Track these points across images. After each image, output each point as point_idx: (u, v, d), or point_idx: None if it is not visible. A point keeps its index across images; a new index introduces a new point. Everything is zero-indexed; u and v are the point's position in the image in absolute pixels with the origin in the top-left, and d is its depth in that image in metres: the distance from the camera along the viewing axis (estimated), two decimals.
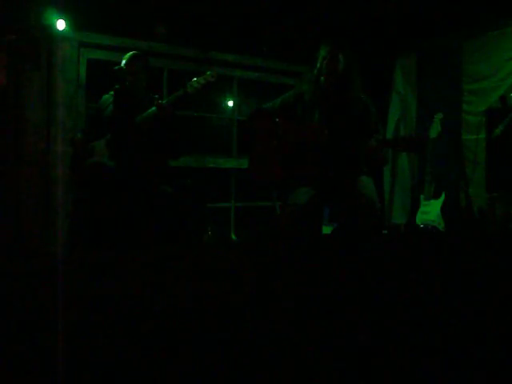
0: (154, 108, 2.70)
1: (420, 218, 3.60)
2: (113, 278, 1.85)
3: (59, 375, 0.88)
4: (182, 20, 3.77)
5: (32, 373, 0.91)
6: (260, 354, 1.02)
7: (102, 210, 2.66)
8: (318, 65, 2.46)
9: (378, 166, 2.55)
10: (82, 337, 1.12)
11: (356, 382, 0.90)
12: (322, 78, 2.44)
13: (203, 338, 1.12)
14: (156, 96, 2.98)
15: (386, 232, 4.31)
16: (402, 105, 4.48)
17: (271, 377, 0.91)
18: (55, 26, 3.26)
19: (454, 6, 3.67)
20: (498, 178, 3.47)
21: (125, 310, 1.37)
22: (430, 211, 3.55)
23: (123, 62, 2.84)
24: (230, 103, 4.35)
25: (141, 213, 2.77)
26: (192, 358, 1.00)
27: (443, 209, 3.51)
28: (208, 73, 2.74)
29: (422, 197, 3.66)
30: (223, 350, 1.04)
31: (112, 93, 2.92)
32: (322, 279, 1.86)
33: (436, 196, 3.59)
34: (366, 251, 2.26)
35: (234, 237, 4.24)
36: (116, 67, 2.87)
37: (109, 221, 2.68)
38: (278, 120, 2.55)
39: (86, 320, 1.25)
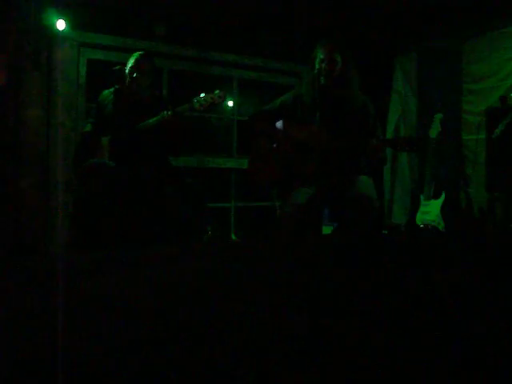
0: (156, 118, 2.69)
1: (420, 218, 3.60)
2: (113, 278, 1.85)
3: (58, 376, 0.88)
4: (182, 20, 3.77)
5: (31, 373, 0.91)
6: (261, 352, 1.02)
7: (102, 210, 2.66)
8: (317, 66, 2.46)
9: (378, 165, 2.56)
10: (82, 337, 1.12)
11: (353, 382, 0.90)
12: (321, 78, 2.44)
13: (203, 337, 1.12)
14: (157, 92, 2.98)
15: (386, 232, 4.31)
16: (402, 105, 4.48)
17: (268, 373, 0.91)
18: (55, 26, 3.26)
19: (454, 6, 3.67)
20: (497, 177, 3.47)
21: (125, 310, 1.38)
22: (430, 211, 3.55)
23: (132, 61, 2.80)
24: (230, 103, 4.35)
25: (141, 213, 2.78)
26: (192, 358, 1.00)
27: (443, 209, 3.51)
28: (216, 92, 2.68)
29: (422, 197, 3.66)
30: (223, 350, 1.05)
31: (113, 90, 2.90)
32: (321, 279, 1.86)
33: (436, 196, 3.59)
34: (365, 251, 2.26)
35: (234, 237, 4.24)
36: (117, 67, 2.87)
37: (109, 221, 2.69)
38: (277, 121, 2.56)
39: (86, 320, 1.26)
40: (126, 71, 2.80)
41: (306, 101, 2.54)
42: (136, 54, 2.85)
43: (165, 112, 2.67)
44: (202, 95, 2.66)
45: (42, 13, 3.23)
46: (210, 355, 1.01)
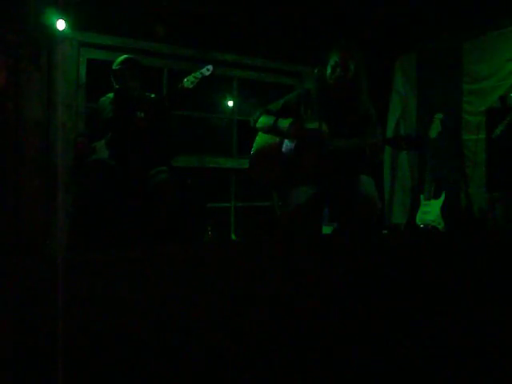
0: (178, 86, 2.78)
1: (420, 218, 3.60)
2: (113, 278, 1.85)
3: (58, 377, 0.88)
4: (182, 20, 3.77)
5: (31, 374, 0.91)
6: (261, 352, 1.02)
7: (102, 209, 2.67)
8: (329, 69, 2.46)
9: (376, 164, 2.56)
10: (82, 338, 1.12)
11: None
12: (332, 81, 2.45)
13: (203, 337, 1.12)
14: (152, 95, 3.00)
15: (386, 232, 4.31)
16: (402, 105, 4.48)
17: (267, 370, 0.91)
18: (55, 25, 3.26)
19: (454, 6, 3.67)
20: (497, 177, 3.47)
21: (125, 310, 1.37)
22: (430, 211, 3.55)
23: (114, 65, 2.88)
24: (230, 103, 4.35)
25: (141, 212, 2.78)
26: (192, 359, 1.00)
27: (443, 209, 3.52)
28: (205, 67, 2.80)
29: (422, 197, 3.66)
30: (223, 351, 1.05)
31: (109, 95, 2.96)
32: (321, 279, 1.86)
33: (436, 196, 3.59)
34: (365, 251, 2.26)
35: (233, 237, 4.24)
36: (116, 67, 2.89)
37: (109, 220, 2.69)
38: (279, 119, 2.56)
39: (86, 321, 1.26)
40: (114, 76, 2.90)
41: (312, 98, 2.54)
42: (118, 59, 2.89)
43: (152, 96, 2.80)
44: (192, 74, 2.76)
45: (42, 13, 3.23)
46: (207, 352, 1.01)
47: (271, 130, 2.58)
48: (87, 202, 2.70)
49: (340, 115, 2.48)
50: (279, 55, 4.25)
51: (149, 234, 2.77)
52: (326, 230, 3.59)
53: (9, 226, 3.17)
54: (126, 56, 2.93)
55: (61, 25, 3.27)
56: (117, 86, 2.90)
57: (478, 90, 3.84)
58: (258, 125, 2.65)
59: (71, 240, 3.20)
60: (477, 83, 3.85)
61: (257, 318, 1.29)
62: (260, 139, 2.68)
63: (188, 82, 2.74)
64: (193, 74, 2.76)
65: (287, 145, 2.50)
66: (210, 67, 2.80)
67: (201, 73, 2.77)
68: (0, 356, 0.99)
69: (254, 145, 2.68)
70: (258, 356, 1.01)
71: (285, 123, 2.52)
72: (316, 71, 2.48)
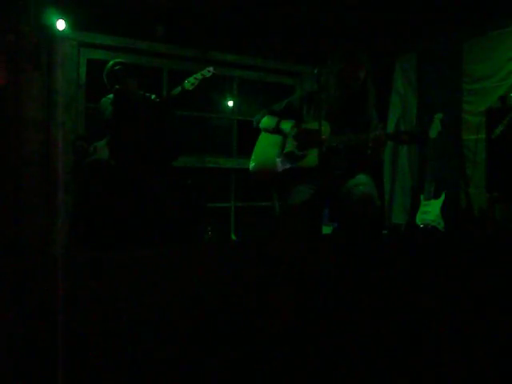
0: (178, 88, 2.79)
1: (420, 218, 3.60)
2: (113, 278, 1.85)
3: (58, 375, 0.88)
4: (182, 20, 3.77)
5: (31, 372, 0.91)
6: (260, 351, 1.02)
7: (102, 209, 2.67)
8: (339, 78, 2.45)
9: (376, 163, 2.55)
10: (81, 337, 1.12)
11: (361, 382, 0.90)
12: (341, 90, 2.45)
13: (202, 336, 1.12)
14: (153, 96, 3.01)
15: (386, 232, 4.31)
16: (402, 105, 4.47)
17: (268, 368, 0.91)
18: (55, 26, 3.26)
19: (454, 6, 3.67)
20: (497, 177, 3.46)
21: (124, 310, 1.37)
22: (430, 211, 3.55)
23: (109, 68, 2.90)
24: (230, 103, 4.35)
25: (141, 212, 2.78)
26: (191, 357, 1.00)
27: (443, 209, 3.51)
28: (205, 69, 2.82)
29: (422, 197, 3.66)
30: (223, 349, 1.05)
31: (110, 96, 2.97)
32: (321, 279, 1.86)
33: (436, 196, 3.59)
34: (365, 251, 2.26)
35: (233, 237, 4.24)
36: (116, 67, 2.90)
37: (109, 220, 2.69)
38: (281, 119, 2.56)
39: (86, 320, 1.25)
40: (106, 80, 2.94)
41: (314, 99, 2.54)
42: (112, 62, 2.92)
43: (153, 96, 2.81)
44: (193, 75, 2.79)
45: (42, 13, 3.23)
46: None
47: (274, 131, 2.60)
48: (87, 202, 2.70)
49: (343, 117, 2.49)
50: (279, 55, 4.25)
51: (149, 233, 2.77)
52: (326, 229, 3.60)
53: (9, 226, 3.17)
54: (117, 60, 2.97)
55: (61, 25, 3.27)
56: (116, 86, 2.90)
57: (478, 89, 3.83)
58: (261, 125, 2.66)
59: (71, 240, 3.20)
60: (477, 83, 3.85)
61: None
62: (259, 148, 2.70)
63: (188, 83, 2.76)
64: (194, 76, 2.78)
65: (284, 163, 2.52)
66: (211, 69, 2.82)
67: (202, 74, 2.79)
68: (0, 354, 0.99)
69: (255, 150, 2.70)
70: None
71: (287, 126, 2.53)
72: (316, 71, 2.48)
